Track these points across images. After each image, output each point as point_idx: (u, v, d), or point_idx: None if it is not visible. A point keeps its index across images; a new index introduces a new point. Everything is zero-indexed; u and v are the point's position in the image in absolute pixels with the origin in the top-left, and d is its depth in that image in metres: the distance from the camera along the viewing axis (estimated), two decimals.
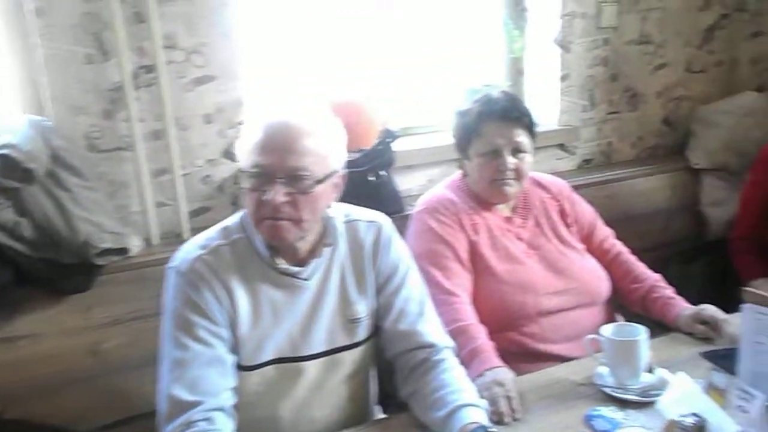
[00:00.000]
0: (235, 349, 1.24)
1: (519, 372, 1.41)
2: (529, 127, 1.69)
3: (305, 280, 1.28)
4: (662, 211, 2.39)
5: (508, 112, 1.64)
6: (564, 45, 2.32)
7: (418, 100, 2.37)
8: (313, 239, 1.30)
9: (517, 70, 2.50)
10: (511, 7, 2.43)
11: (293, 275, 1.27)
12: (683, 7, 2.50)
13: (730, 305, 2.17)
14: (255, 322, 1.25)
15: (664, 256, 2.35)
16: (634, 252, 2.31)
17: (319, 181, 1.21)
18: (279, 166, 1.17)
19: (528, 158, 1.68)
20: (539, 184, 1.80)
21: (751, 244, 2.02)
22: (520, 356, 1.55)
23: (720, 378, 1.18)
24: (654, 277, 1.71)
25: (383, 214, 1.42)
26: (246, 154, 1.21)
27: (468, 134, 1.67)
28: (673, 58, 2.54)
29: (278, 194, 1.17)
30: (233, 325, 1.23)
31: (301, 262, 1.29)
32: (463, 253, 1.62)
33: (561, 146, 2.41)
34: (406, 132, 2.33)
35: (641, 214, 2.35)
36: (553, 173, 2.38)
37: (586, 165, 2.48)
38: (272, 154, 1.17)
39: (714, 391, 1.17)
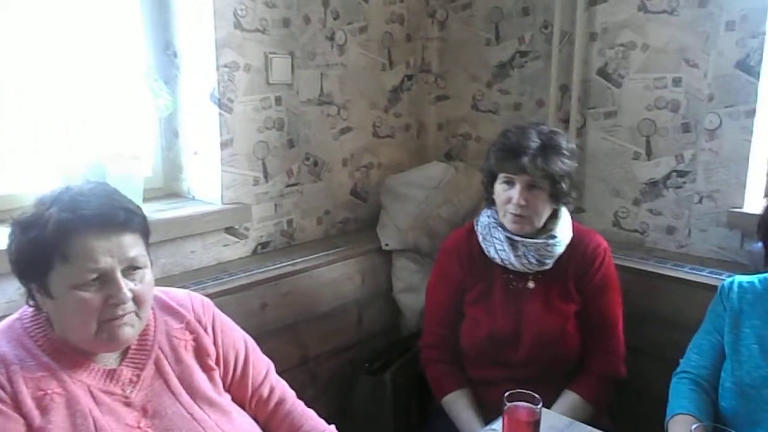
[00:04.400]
0: None
1: None
2: (143, 230, 1.13)
3: None
4: (354, 302, 2.02)
5: (111, 216, 1.06)
6: (224, 104, 1.83)
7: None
8: None
9: (172, 132, 1.94)
10: (157, 50, 1.87)
11: None
12: (365, 65, 2.22)
13: (427, 416, 1.89)
14: None
15: (358, 359, 1.97)
16: (321, 359, 1.93)
17: None
18: None
19: (149, 277, 1.12)
20: (166, 308, 1.23)
21: (442, 353, 1.71)
22: None
23: None
24: None
25: None
26: None
27: (46, 257, 1.03)
28: (358, 122, 2.23)
29: None
30: None
31: None
32: None
33: (229, 230, 1.90)
34: None
35: (331, 309, 1.95)
36: (220, 264, 1.89)
37: (264, 250, 2.00)
38: None
39: None
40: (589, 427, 1.40)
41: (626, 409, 1.69)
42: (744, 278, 1.43)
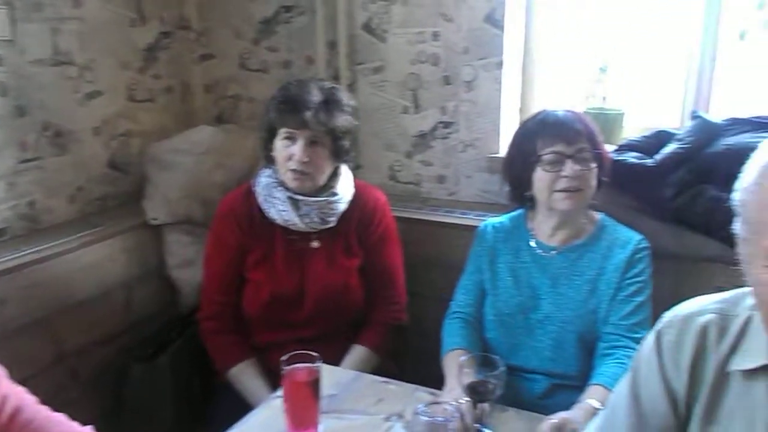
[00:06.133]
0: None
1: None
2: None
3: None
4: (120, 285, 1.80)
5: None
6: None
7: None
8: None
9: None
10: None
11: None
12: (109, 20, 1.94)
13: (212, 393, 1.77)
14: None
15: (129, 347, 1.77)
16: (83, 353, 1.70)
17: None
18: None
19: None
20: None
21: (223, 323, 1.60)
22: None
23: None
24: None
25: None
26: None
27: None
28: (108, 84, 1.97)
29: None
30: None
31: None
32: None
33: None
34: None
35: (91, 296, 1.71)
36: None
37: None
38: None
39: None
40: (373, 376, 1.41)
41: (410, 351, 1.75)
42: (495, 220, 1.55)
